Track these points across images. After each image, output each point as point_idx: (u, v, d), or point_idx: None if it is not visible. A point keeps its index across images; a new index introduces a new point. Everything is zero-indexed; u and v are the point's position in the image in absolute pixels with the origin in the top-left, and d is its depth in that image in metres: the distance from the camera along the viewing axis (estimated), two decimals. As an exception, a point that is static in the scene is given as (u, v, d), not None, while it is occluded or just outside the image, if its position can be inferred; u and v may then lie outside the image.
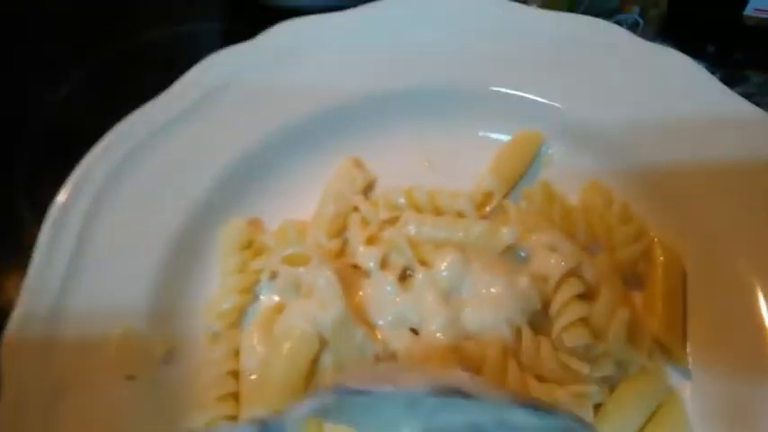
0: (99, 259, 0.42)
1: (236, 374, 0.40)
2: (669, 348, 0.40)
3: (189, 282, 0.44)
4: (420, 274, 0.41)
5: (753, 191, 0.42)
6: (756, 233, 0.41)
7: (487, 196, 0.46)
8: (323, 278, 0.39)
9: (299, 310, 0.39)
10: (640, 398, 0.38)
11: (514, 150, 0.49)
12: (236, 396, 0.39)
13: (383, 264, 0.42)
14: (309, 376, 0.39)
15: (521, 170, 0.49)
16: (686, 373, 0.41)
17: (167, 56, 0.64)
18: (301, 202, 0.48)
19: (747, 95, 0.56)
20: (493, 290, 0.40)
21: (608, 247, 0.44)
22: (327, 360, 0.39)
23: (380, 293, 0.41)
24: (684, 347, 0.41)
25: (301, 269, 0.41)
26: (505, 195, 0.47)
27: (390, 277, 0.41)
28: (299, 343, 0.38)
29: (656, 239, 0.44)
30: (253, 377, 0.39)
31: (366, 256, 0.42)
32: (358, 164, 0.49)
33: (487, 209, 0.46)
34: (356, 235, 0.44)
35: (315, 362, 0.39)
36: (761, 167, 0.42)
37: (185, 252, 0.45)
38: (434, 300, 0.39)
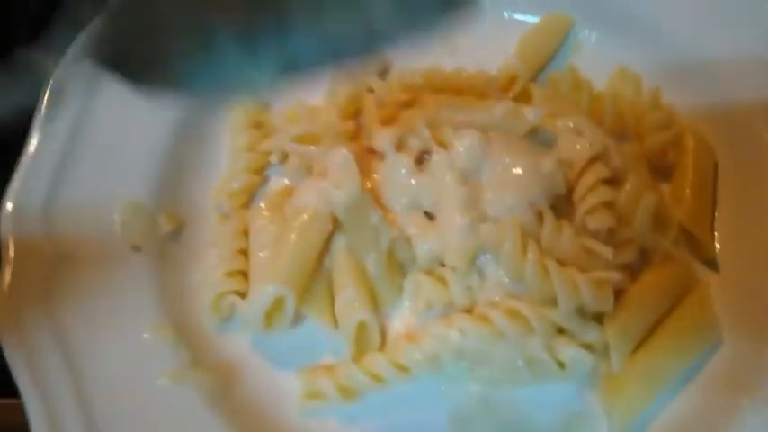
0: (102, 134, 0.40)
1: (245, 253, 0.39)
2: (696, 237, 0.39)
3: (198, 161, 0.43)
4: (437, 156, 0.39)
5: None
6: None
7: (512, 79, 0.44)
8: (339, 156, 0.37)
9: (313, 189, 0.37)
10: (663, 286, 0.37)
11: (542, 33, 0.46)
12: (245, 274, 0.38)
13: (399, 146, 0.40)
14: (320, 257, 0.38)
15: (548, 54, 0.46)
16: (713, 265, 0.39)
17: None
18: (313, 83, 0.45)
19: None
20: (515, 172, 0.37)
21: (636, 136, 0.42)
22: (340, 242, 0.38)
23: (396, 176, 0.39)
24: (712, 237, 0.39)
25: (313, 148, 0.40)
26: (532, 79, 0.45)
27: (406, 159, 0.39)
28: (312, 221, 0.36)
29: (686, 127, 0.41)
30: (262, 254, 0.38)
31: (381, 138, 0.40)
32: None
33: (511, 93, 0.44)
34: (371, 116, 0.42)
35: (327, 242, 0.38)
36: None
37: (193, 136, 0.43)
38: (452, 181, 0.37)
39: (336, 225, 0.38)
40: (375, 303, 0.37)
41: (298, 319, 0.37)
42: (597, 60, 0.45)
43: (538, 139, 0.41)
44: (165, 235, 0.39)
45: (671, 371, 0.35)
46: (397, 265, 0.38)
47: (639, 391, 0.35)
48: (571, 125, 0.40)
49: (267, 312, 0.36)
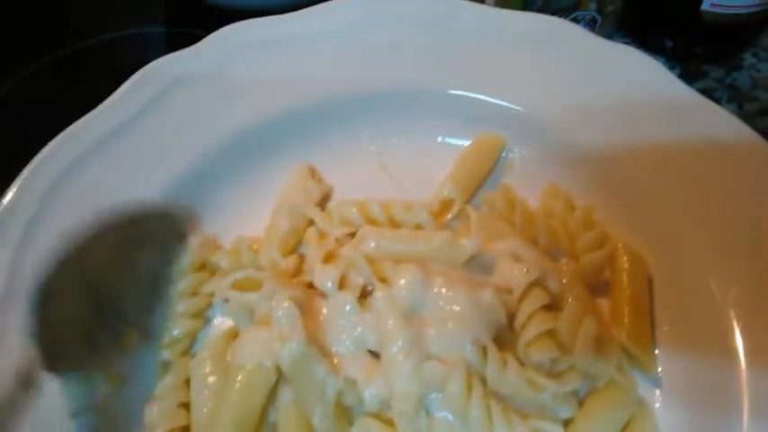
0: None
1: (187, 406, 0.38)
2: (637, 357, 0.39)
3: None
4: (379, 294, 0.39)
5: (713, 189, 0.41)
6: (720, 233, 0.40)
7: (447, 204, 0.45)
8: (281, 309, 0.37)
9: (256, 341, 0.37)
10: (610, 411, 0.37)
11: (475, 155, 0.48)
12: (187, 429, 0.37)
13: (341, 283, 0.40)
14: (263, 412, 0.37)
15: (482, 175, 0.47)
16: (656, 381, 0.39)
17: (112, 60, 0.61)
18: (256, 214, 0.45)
19: (707, 91, 0.56)
20: (456, 307, 0.38)
21: (571, 254, 0.43)
22: (285, 395, 0.37)
23: (339, 316, 0.39)
24: (652, 355, 0.40)
25: (253, 295, 0.39)
26: (467, 201, 0.46)
27: (349, 297, 0.39)
28: (255, 376, 0.36)
29: (620, 245, 0.42)
30: (205, 410, 0.36)
31: (323, 278, 0.40)
32: (312, 173, 0.47)
33: (449, 216, 0.45)
34: (313, 252, 0.42)
35: (271, 396, 0.37)
36: (721, 164, 0.41)
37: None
38: (394, 321, 0.37)
39: (281, 376, 0.37)
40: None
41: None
42: (530, 178, 0.47)
43: (478, 262, 0.42)
44: (105, 396, 0.37)
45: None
46: (345, 413, 0.37)
47: None
48: (507, 249, 0.41)
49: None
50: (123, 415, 0.38)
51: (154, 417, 0.37)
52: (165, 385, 0.38)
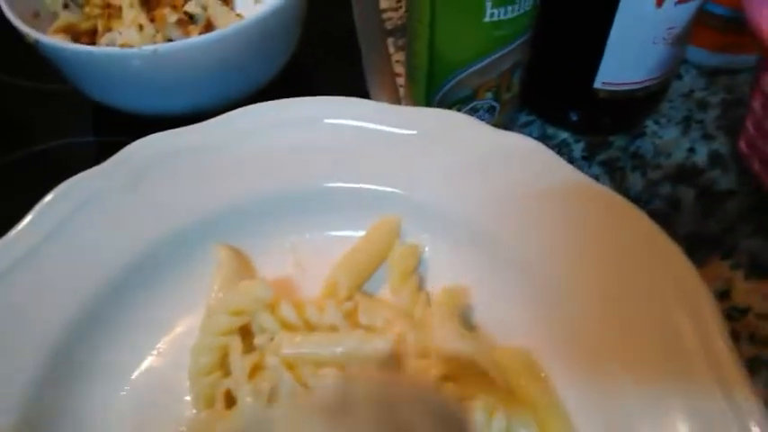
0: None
1: None
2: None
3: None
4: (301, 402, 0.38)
5: (607, 270, 0.41)
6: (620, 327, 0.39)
7: (333, 288, 0.46)
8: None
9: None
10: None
11: (366, 240, 0.49)
12: None
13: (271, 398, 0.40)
14: None
15: (374, 259, 0.48)
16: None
17: (38, 172, 0.62)
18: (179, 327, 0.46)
19: (611, 161, 0.58)
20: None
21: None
22: None
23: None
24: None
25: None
26: (359, 287, 0.47)
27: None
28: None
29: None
30: None
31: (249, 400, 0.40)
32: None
33: (342, 306, 0.45)
34: (238, 363, 0.42)
35: None
36: (612, 244, 0.42)
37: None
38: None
39: None
40: None
41: None
42: (432, 264, 0.48)
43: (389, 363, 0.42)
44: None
45: None
46: None
47: None
48: (413, 347, 0.42)
49: None
50: None
51: None
52: None
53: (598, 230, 0.43)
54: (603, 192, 0.44)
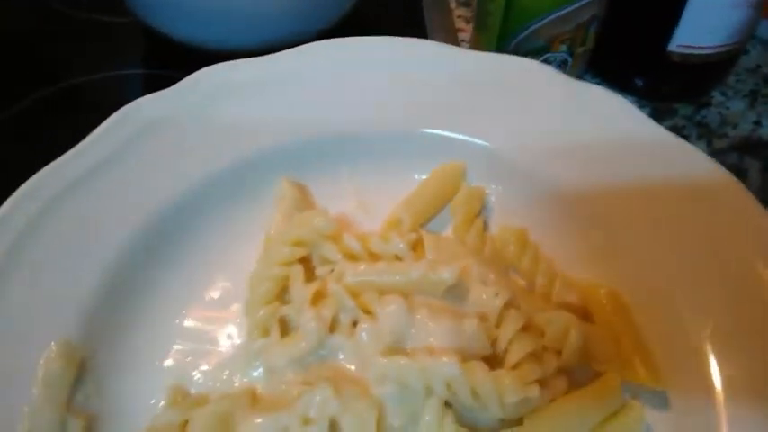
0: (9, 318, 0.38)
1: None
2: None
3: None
4: (365, 325, 0.38)
5: (684, 226, 0.41)
6: (692, 270, 0.40)
7: (395, 224, 0.45)
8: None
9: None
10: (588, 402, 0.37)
11: (430, 182, 0.48)
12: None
13: (332, 326, 0.40)
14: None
15: (437, 200, 0.48)
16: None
17: (90, 101, 0.62)
18: (242, 256, 0.45)
19: (676, 128, 0.57)
20: (439, 340, 0.37)
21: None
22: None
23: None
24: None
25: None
26: (421, 225, 0.46)
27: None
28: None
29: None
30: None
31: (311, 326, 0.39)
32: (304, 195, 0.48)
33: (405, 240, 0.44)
34: (300, 292, 0.41)
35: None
36: (692, 201, 0.42)
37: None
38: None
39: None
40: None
41: None
42: (502, 215, 0.48)
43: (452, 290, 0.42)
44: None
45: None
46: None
47: None
48: (474, 273, 0.41)
49: None
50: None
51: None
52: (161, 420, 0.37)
53: (681, 188, 0.42)
54: (688, 149, 0.43)
